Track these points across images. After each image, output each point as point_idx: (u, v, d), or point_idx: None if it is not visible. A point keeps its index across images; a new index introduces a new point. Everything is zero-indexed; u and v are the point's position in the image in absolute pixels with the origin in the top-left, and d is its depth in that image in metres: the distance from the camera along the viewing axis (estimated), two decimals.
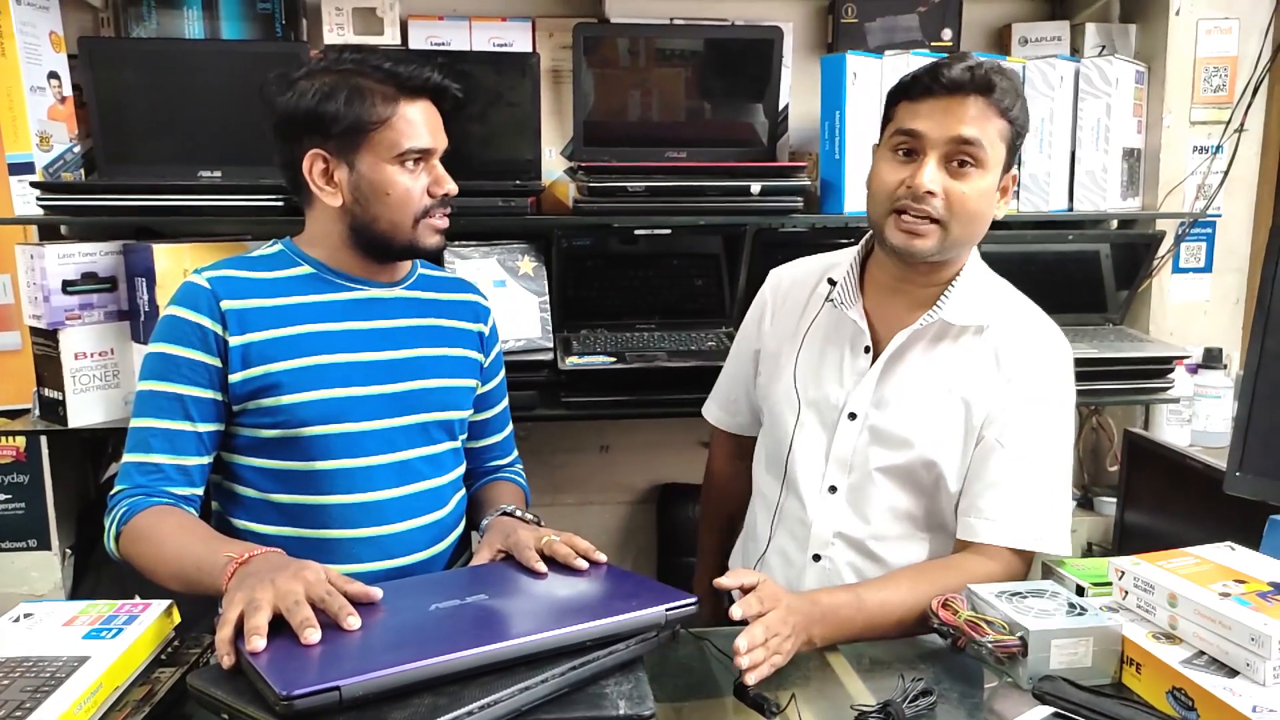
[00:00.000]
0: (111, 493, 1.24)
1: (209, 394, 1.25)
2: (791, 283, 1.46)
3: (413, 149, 1.25)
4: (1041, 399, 1.29)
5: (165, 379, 1.25)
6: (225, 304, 1.25)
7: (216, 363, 1.25)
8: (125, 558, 1.22)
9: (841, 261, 1.39)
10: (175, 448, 1.24)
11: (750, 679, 1.00)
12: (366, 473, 1.29)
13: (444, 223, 1.32)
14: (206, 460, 1.27)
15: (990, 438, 1.27)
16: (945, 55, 1.97)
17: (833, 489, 1.34)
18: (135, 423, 1.26)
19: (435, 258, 1.42)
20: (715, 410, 1.60)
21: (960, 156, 1.22)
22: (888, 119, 1.30)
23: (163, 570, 1.17)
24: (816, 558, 1.35)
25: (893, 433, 1.30)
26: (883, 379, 1.31)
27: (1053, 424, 1.29)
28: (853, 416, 1.32)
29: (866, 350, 1.33)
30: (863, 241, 1.39)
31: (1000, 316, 1.32)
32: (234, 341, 1.24)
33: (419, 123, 1.26)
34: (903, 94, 1.27)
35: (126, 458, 1.25)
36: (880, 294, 1.35)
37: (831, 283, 1.36)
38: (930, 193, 1.21)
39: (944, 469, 1.29)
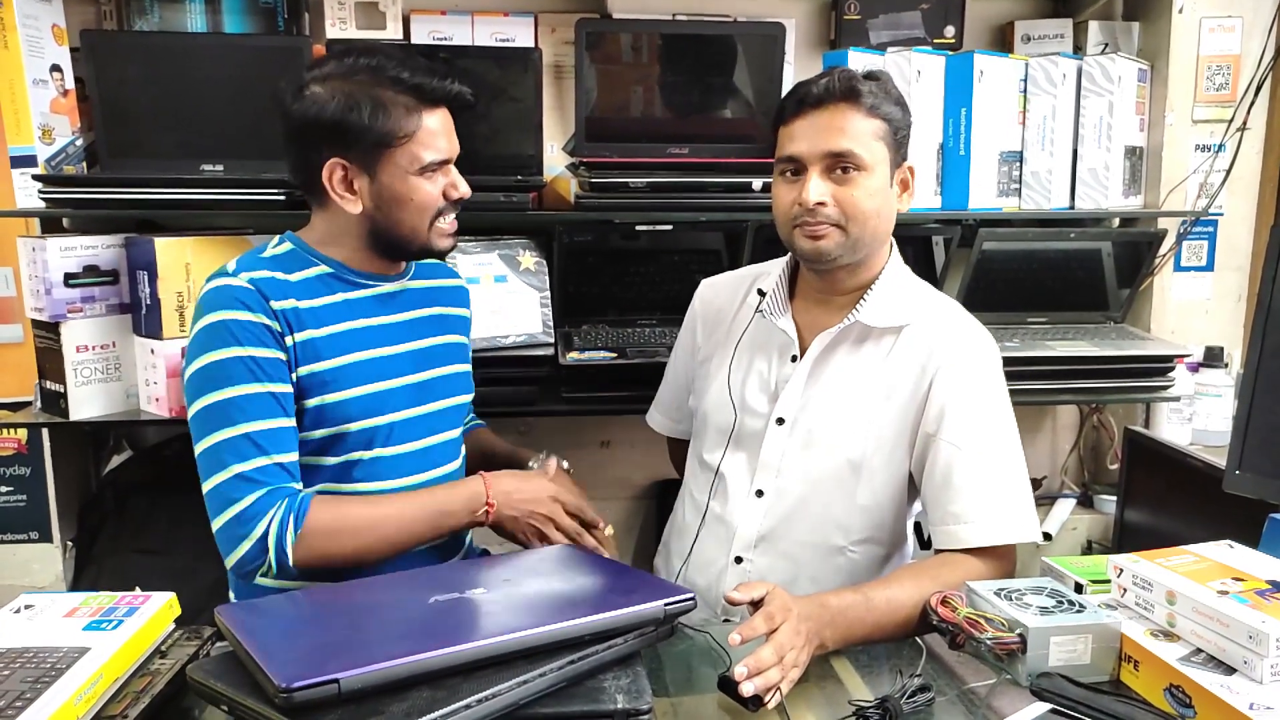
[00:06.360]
0: (235, 513, 1.17)
1: (291, 389, 1.24)
2: (720, 294, 1.52)
3: (435, 161, 1.27)
4: (983, 394, 1.31)
5: (254, 380, 1.20)
6: (274, 304, 1.23)
7: (286, 357, 1.24)
8: (319, 557, 1.19)
9: (771, 271, 1.44)
10: (282, 444, 1.21)
11: (771, 704, 0.99)
12: (393, 461, 1.32)
13: (454, 225, 1.34)
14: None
15: (943, 442, 1.29)
16: (947, 52, 1.98)
17: (759, 493, 1.37)
18: (227, 433, 1.18)
19: (442, 258, 1.47)
20: (659, 418, 1.67)
21: (839, 166, 1.27)
22: (774, 147, 1.34)
23: (387, 535, 1.23)
24: (739, 560, 1.37)
25: (819, 435, 1.34)
26: (809, 383, 1.35)
27: (999, 417, 1.31)
28: (781, 421, 1.36)
29: (794, 359, 1.37)
30: (790, 254, 1.43)
31: (920, 317, 1.35)
32: (287, 340, 1.24)
33: (440, 133, 1.28)
34: (779, 120, 1.33)
35: (232, 470, 1.17)
36: (808, 304, 1.40)
37: (761, 294, 1.41)
38: (820, 204, 1.27)
39: (873, 470, 1.32)
